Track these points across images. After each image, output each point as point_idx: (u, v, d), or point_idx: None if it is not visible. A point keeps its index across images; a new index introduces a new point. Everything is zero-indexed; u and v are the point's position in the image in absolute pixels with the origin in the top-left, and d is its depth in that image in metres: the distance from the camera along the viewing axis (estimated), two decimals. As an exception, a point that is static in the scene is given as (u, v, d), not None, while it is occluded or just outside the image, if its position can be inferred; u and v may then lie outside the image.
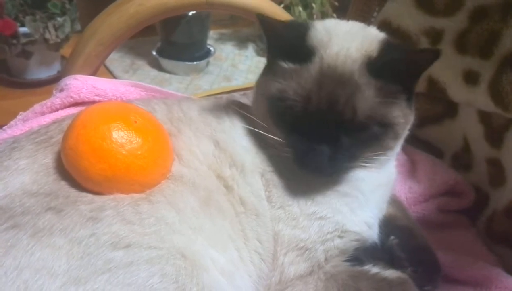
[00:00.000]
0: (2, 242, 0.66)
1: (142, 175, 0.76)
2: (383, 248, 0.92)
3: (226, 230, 0.80)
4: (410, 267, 0.89)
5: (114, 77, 2.60)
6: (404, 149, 1.21)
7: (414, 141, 1.12)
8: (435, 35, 1.22)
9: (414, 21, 1.26)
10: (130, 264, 0.66)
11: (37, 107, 1.09)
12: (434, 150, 1.34)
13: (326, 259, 0.84)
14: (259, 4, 1.29)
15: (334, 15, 2.81)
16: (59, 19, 2.15)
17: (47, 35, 2.12)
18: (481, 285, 0.94)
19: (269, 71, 0.87)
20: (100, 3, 1.24)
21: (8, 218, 0.68)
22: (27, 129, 0.98)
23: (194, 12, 2.62)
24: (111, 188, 0.74)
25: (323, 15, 2.79)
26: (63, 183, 0.75)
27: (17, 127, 1.03)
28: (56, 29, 2.14)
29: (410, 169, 1.24)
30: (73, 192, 0.74)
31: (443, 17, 1.21)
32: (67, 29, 2.17)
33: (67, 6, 2.19)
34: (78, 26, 2.22)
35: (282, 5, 2.54)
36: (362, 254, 0.88)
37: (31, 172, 0.75)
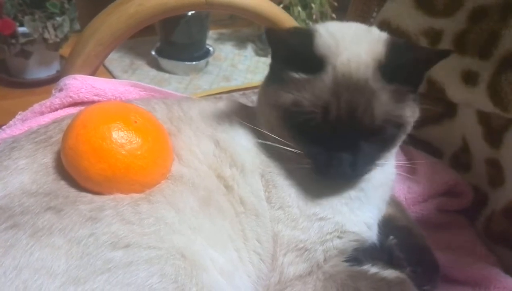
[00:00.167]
0: (1, 241, 0.66)
1: (142, 175, 0.76)
2: (382, 248, 0.92)
3: (226, 230, 0.80)
4: (409, 267, 0.89)
5: (114, 77, 2.60)
6: (403, 149, 1.21)
7: (414, 141, 1.12)
8: (434, 36, 1.22)
9: (413, 21, 1.26)
10: (129, 264, 0.66)
11: (36, 107, 1.09)
12: (433, 150, 1.34)
13: (325, 259, 0.84)
14: (258, 4, 1.28)
15: (334, 15, 2.81)
16: (58, 18, 2.15)
17: (46, 35, 2.12)
18: (480, 285, 0.94)
19: (276, 81, 0.85)
20: (100, 3, 1.24)
21: (7, 218, 0.68)
22: (26, 129, 0.98)
23: (193, 12, 2.62)
24: (111, 188, 0.74)
25: (322, 15, 2.79)
26: (62, 182, 0.75)
27: (16, 127, 1.02)
28: (55, 29, 2.14)
29: (409, 169, 1.24)
30: (72, 192, 0.74)
31: (442, 18, 1.21)
32: (66, 29, 2.17)
33: (66, 5, 2.19)
34: (77, 26, 2.22)
35: (281, 5, 2.54)
36: (361, 254, 0.88)
37: (30, 172, 0.75)
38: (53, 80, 2.12)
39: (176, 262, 0.69)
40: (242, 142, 0.88)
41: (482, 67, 1.11)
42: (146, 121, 0.80)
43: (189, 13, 2.63)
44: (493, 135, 1.15)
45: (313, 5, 2.73)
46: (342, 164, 0.78)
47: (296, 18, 2.53)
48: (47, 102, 1.09)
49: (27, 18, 2.09)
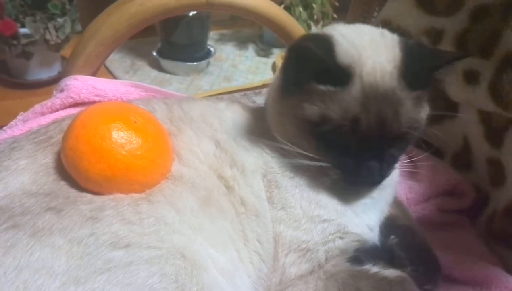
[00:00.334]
0: (1, 242, 0.66)
1: (142, 175, 0.76)
2: (383, 248, 0.92)
3: (226, 230, 0.80)
4: (410, 266, 0.89)
5: (115, 77, 2.60)
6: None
7: (414, 141, 1.12)
8: (436, 35, 1.22)
9: (414, 20, 1.26)
10: (129, 264, 0.66)
11: (37, 107, 1.09)
12: (434, 150, 1.33)
13: (326, 259, 0.83)
14: (259, 4, 1.28)
15: (335, 15, 2.82)
16: (59, 19, 2.15)
17: (48, 36, 2.13)
18: (481, 284, 0.94)
19: (294, 92, 0.82)
20: (101, 3, 1.24)
21: (7, 218, 0.68)
22: (27, 129, 0.98)
23: (194, 12, 2.62)
24: (111, 188, 0.74)
25: (324, 16, 2.79)
26: (62, 183, 0.75)
27: (17, 128, 1.03)
28: (56, 29, 2.14)
29: (411, 169, 1.23)
30: (72, 192, 0.74)
31: (443, 17, 1.21)
32: (67, 29, 2.18)
33: (67, 6, 2.20)
34: (78, 27, 2.23)
35: (282, 6, 2.54)
36: (362, 254, 0.88)
37: (30, 172, 0.75)
38: (55, 81, 2.10)
39: (176, 262, 0.69)
40: (243, 143, 0.88)
41: (483, 67, 1.10)
42: (146, 121, 0.80)
43: (190, 14, 2.63)
44: (494, 134, 1.15)
45: (314, 6, 2.74)
46: (370, 172, 0.79)
47: (297, 19, 2.53)
48: (48, 103, 1.09)
49: (28, 19, 2.09)
